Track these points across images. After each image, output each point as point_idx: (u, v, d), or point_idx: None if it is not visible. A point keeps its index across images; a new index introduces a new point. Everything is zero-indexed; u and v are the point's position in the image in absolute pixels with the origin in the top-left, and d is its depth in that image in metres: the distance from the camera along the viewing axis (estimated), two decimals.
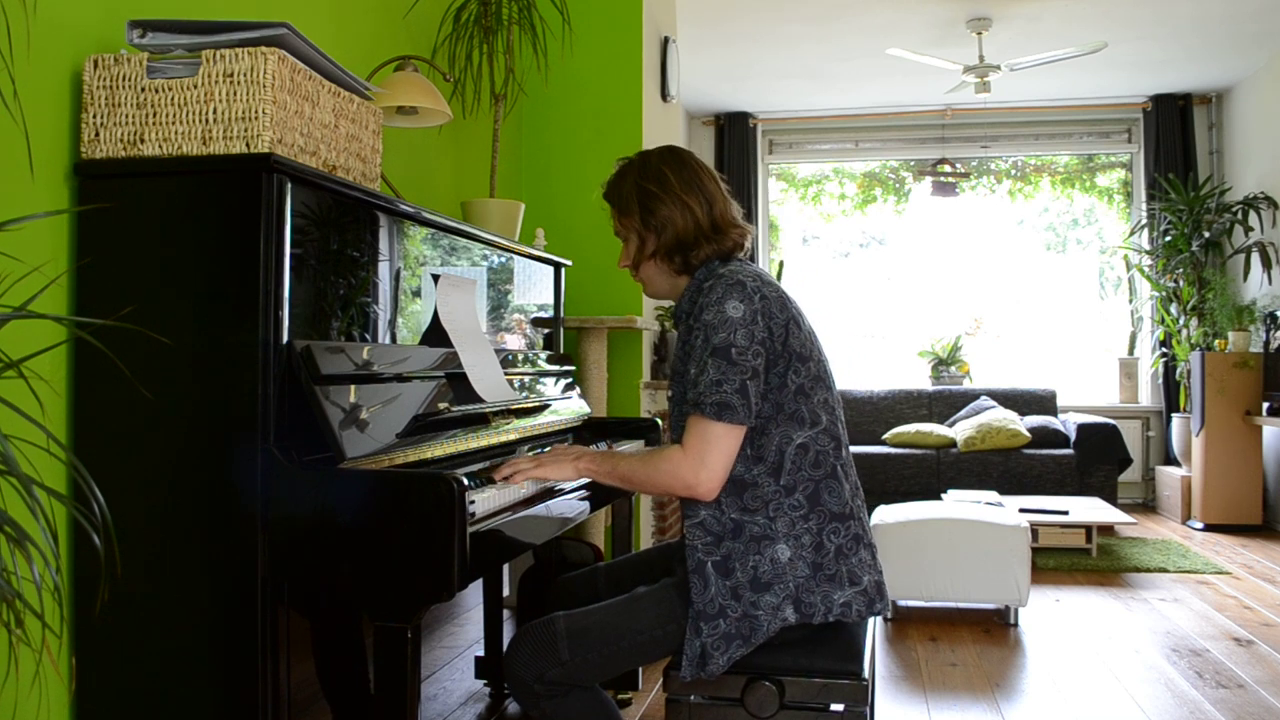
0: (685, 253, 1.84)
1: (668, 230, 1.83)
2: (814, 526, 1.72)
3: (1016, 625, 3.85)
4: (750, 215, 7.48)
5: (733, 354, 1.67)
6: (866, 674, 1.71)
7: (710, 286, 1.75)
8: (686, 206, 1.82)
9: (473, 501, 1.59)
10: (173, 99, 1.63)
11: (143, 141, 1.64)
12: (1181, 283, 6.51)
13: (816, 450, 1.74)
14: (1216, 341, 6.16)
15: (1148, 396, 7.19)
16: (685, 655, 1.70)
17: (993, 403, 6.73)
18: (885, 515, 4.04)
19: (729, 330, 1.68)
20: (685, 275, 1.87)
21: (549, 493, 1.92)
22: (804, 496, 1.72)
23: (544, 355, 2.68)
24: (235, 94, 1.61)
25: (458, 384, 2.03)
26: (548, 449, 1.92)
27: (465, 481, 1.51)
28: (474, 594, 2.78)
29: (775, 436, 1.72)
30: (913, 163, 7.64)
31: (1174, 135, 6.95)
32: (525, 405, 2.33)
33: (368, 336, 1.89)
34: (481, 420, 2.07)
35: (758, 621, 1.69)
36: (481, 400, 2.08)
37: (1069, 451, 6.19)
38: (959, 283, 7.72)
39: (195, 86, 1.62)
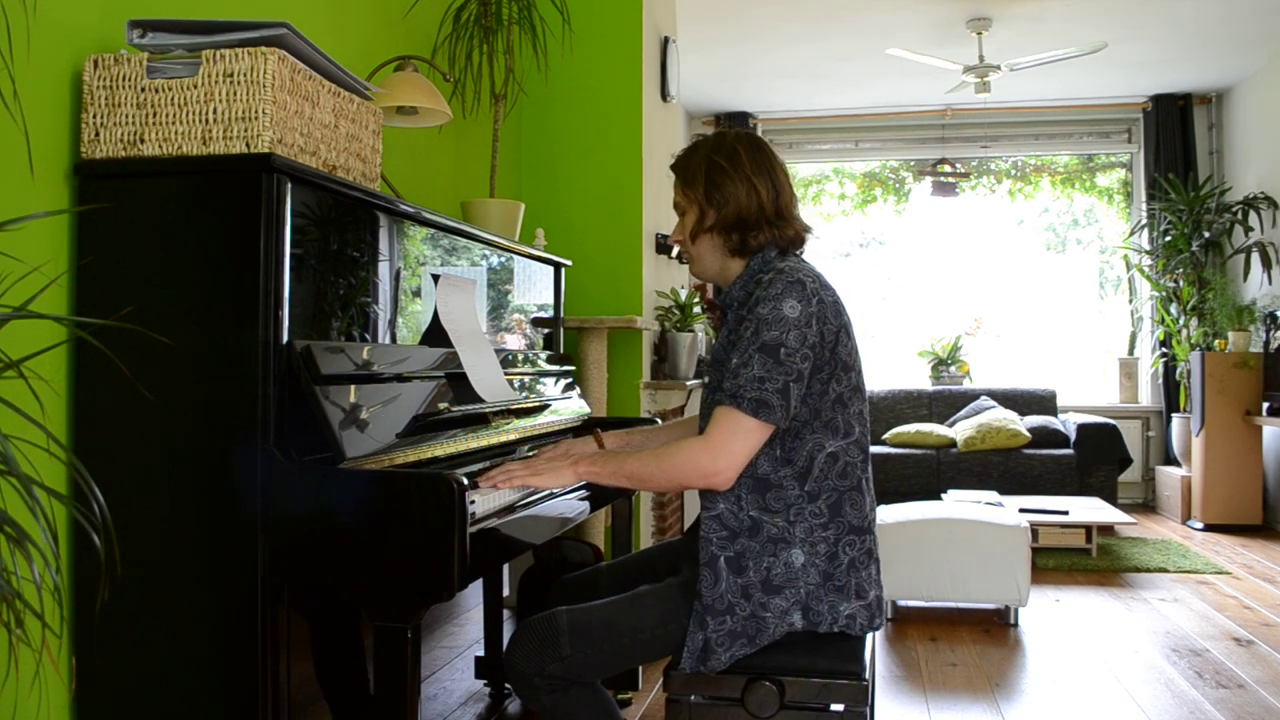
0: (744, 231, 1.81)
1: (729, 206, 1.80)
2: (831, 536, 1.72)
3: (1016, 625, 3.85)
4: None
5: (781, 354, 1.65)
6: (866, 674, 1.71)
7: (769, 280, 1.72)
8: (753, 187, 1.80)
9: (473, 501, 1.59)
10: (173, 99, 1.63)
11: (143, 141, 1.64)
12: (1181, 283, 6.51)
13: (846, 461, 1.73)
14: (1216, 341, 6.16)
15: (1148, 396, 7.19)
16: (687, 647, 1.70)
17: (993, 403, 6.73)
18: (885, 515, 4.04)
19: (782, 329, 1.66)
20: (737, 258, 1.84)
21: (549, 493, 1.92)
22: (826, 505, 1.72)
23: (544, 355, 2.68)
24: (235, 94, 1.61)
25: (458, 384, 2.03)
26: (533, 452, 1.90)
27: (465, 482, 1.52)
28: (474, 594, 2.78)
29: (808, 442, 1.71)
30: (913, 163, 7.64)
31: (1174, 135, 6.95)
32: (525, 405, 2.33)
33: (368, 336, 1.89)
34: (482, 420, 2.07)
35: (765, 623, 1.69)
36: (481, 400, 2.08)
37: (1069, 451, 6.19)
38: (959, 283, 7.72)
39: (195, 86, 1.62)
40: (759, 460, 1.71)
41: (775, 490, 1.72)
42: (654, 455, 1.74)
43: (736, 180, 1.80)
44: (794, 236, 1.83)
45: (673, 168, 1.90)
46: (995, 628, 3.84)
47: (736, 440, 1.66)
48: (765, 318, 1.67)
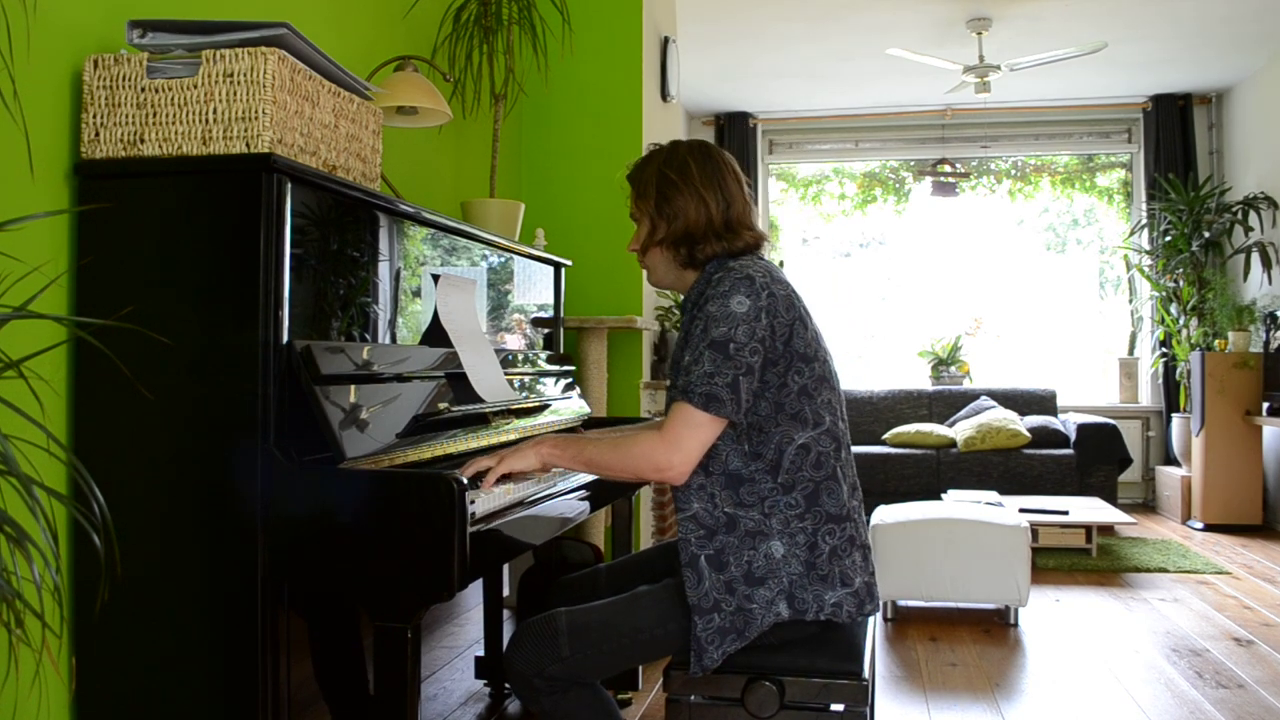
0: (692, 245, 1.83)
1: (679, 220, 1.82)
2: (809, 526, 1.72)
3: (1016, 625, 3.85)
4: None
5: (730, 349, 1.67)
6: (866, 674, 1.71)
7: (719, 279, 1.75)
8: (702, 200, 1.82)
9: (473, 501, 1.59)
10: (173, 99, 1.63)
11: (143, 141, 1.64)
12: (1181, 283, 6.51)
13: (818, 451, 1.74)
14: (1216, 341, 6.16)
15: (1148, 396, 7.19)
16: (691, 650, 1.71)
17: (993, 403, 6.72)
18: (885, 515, 4.04)
19: (730, 325, 1.68)
20: (690, 269, 1.87)
21: (549, 493, 1.92)
22: (802, 496, 1.72)
23: (544, 355, 2.68)
24: (235, 94, 1.61)
25: (458, 384, 2.03)
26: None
27: (465, 481, 1.52)
28: (474, 594, 2.78)
29: (775, 436, 1.72)
30: (913, 163, 7.64)
31: (1174, 135, 6.95)
32: (525, 405, 2.33)
33: (368, 336, 1.89)
34: (481, 420, 2.07)
35: (751, 615, 1.69)
36: (481, 400, 2.08)
37: (1069, 451, 6.18)
38: (959, 283, 7.72)
39: (195, 86, 1.62)
40: (729, 456, 1.73)
41: (748, 484, 1.73)
42: (612, 444, 1.76)
43: (686, 194, 1.82)
44: (744, 248, 1.85)
45: (628, 178, 1.92)
46: (995, 628, 3.84)
47: (688, 434, 1.68)
48: (714, 315, 1.70)
